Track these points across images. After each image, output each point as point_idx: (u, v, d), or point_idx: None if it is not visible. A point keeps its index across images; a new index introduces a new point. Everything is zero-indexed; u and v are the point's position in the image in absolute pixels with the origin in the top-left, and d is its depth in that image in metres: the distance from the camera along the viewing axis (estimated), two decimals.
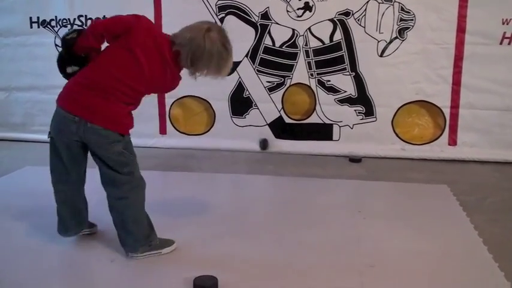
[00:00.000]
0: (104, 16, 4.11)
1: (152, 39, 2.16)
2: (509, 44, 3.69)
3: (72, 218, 2.30)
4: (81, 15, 4.17)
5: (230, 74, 2.31)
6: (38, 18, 4.22)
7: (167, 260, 2.22)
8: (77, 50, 2.20)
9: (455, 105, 3.84)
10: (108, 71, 2.11)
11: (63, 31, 4.21)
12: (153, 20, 4.02)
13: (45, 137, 4.21)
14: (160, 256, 2.24)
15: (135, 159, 2.21)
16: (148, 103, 4.15)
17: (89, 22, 4.17)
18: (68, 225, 2.30)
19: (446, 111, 3.87)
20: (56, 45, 4.24)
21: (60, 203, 2.28)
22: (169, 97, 4.15)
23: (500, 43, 3.70)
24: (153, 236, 2.26)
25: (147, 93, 2.22)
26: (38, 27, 4.24)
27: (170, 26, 4.06)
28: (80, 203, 2.34)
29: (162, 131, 4.21)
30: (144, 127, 4.14)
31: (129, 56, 2.11)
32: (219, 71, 2.19)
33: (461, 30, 3.73)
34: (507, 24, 3.66)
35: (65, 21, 4.19)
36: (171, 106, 4.18)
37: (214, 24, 2.32)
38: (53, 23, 4.22)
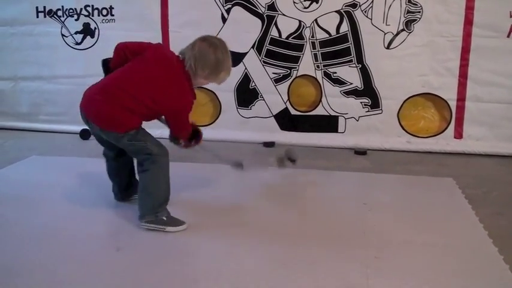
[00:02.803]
0: (111, 6, 4.14)
1: (164, 55, 2.43)
2: None
3: (115, 187, 2.72)
4: (88, 5, 4.17)
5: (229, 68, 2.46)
6: (45, 7, 4.22)
7: (173, 249, 2.23)
8: (112, 66, 2.49)
9: (461, 98, 3.83)
10: (116, 78, 2.39)
11: (69, 21, 4.22)
12: (159, 10, 4.05)
13: (51, 126, 4.30)
14: (167, 246, 2.25)
15: (147, 142, 2.40)
16: None
17: (96, 12, 4.18)
18: (114, 191, 2.73)
19: (453, 104, 3.86)
20: (62, 35, 4.25)
21: (108, 172, 2.69)
22: None
23: (508, 36, 3.68)
24: (161, 210, 2.41)
25: (150, 104, 2.34)
26: (45, 16, 4.24)
27: (177, 17, 4.12)
28: (122, 178, 2.69)
29: None
30: None
31: (138, 66, 2.38)
32: (218, 72, 2.40)
33: (468, 22, 3.71)
34: None
35: (71, 11, 4.20)
36: None
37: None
38: (60, 13, 4.22)
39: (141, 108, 2.34)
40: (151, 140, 2.43)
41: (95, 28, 4.20)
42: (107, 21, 4.18)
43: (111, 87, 2.36)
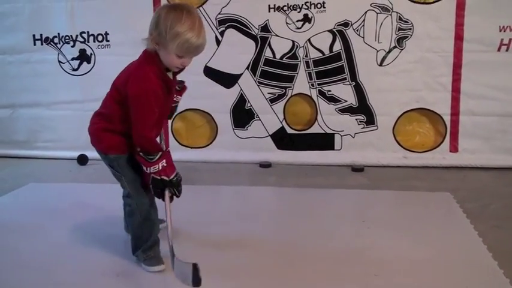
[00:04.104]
0: (106, 32, 4.18)
1: None
2: (507, 50, 3.71)
3: None
4: (84, 32, 4.20)
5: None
6: (41, 35, 4.27)
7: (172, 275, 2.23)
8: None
9: (455, 112, 3.87)
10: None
11: (65, 47, 4.26)
12: None
13: (48, 153, 4.32)
14: (168, 271, 2.25)
15: (123, 177, 2.22)
16: None
17: (91, 38, 4.21)
18: None
19: (447, 119, 3.89)
20: (59, 61, 4.28)
21: None
22: None
23: (498, 50, 3.73)
24: (139, 253, 2.27)
25: (117, 95, 2.15)
26: (42, 44, 4.28)
27: None
28: None
29: (166, 144, 4.22)
30: None
31: None
32: (167, 31, 1.98)
33: (459, 38, 3.76)
34: (504, 31, 3.69)
35: (67, 37, 4.23)
36: (173, 120, 4.21)
37: None
38: (56, 40, 4.26)
39: (113, 113, 2.14)
40: (129, 176, 2.20)
41: (91, 54, 4.24)
42: (102, 46, 4.22)
43: (99, 107, 2.29)
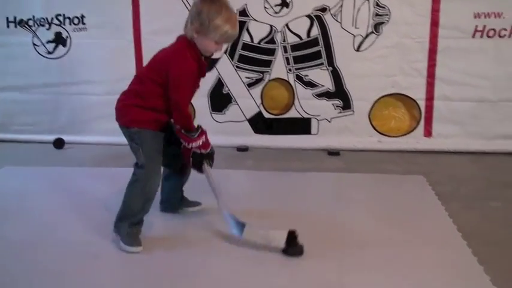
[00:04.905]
0: (82, 15, 4.14)
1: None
2: (481, 37, 3.78)
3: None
4: (59, 14, 4.14)
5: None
6: (15, 18, 4.19)
7: (152, 258, 2.25)
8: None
9: (430, 97, 3.93)
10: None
11: (41, 30, 4.20)
12: (131, 18, 4.06)
13: (24, 136, 4.27)
14: (147, 253, 2.27)
15: (141, 149, 2.33)
16: None
17: (67, 21, 4.17)
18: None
19: (422, 104, 3.96)
20: (34, 44, 4.23)
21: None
22: None
23: (473, 36, 3.79)
24: (123, 225, 2.33)
25: (155, 77, 2.29)
26: (15, 27, 4.21)
27: (149, 24, 4.14)
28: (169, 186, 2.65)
29: None
30: None
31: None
32: (207, 22, 2.19)
33: (434, 24, 3.82)
34: (479, 18, 3.75)
35: (42, 20, 4.17)
36: None
37: None
38: (31, 23, 4.19)
39: (148, 91, 2.30)
40: (148, 149, 2.33)
41: (67, 37, 4.19)
42: (78, 30, 4.17)
43: (128, 87, 2.42)
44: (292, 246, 2.20)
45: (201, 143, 2.34)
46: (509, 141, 3.88)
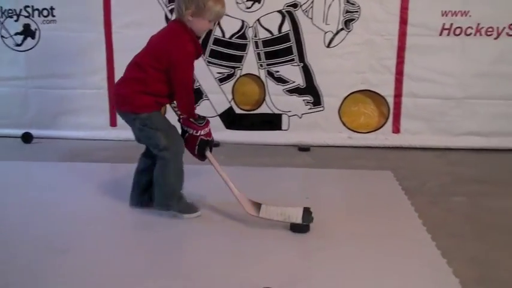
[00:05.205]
0: (52, 7, 4.08)
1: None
2: (448, 35, 3.86)
3: (133, 188, 2.69)
4: (28, 6, 4.08)
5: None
6: None
7: (121, 251, 2.25)
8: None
9: (398, 94, 4.00)
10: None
11: (8, 22, 4.13)
12: (102, 11, 4.02)
13: None
14: (112, 245, 2.27)
15: (158, 132, 2.46)
16: (99, 95, 4.16)
17: (36, 13, 4.10)
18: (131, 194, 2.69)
19: (390, 100, 4.03)
20: (2, 36, 4.15)
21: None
22: None
23: (440, 34, 3.87)
24: (172, 203, 2.54)
25: (156, 64, 2.39)
26: None
27: (120, 17, 4.10)
28: (142, 179, 2.66)
29: (113, 123, 4.19)
30: (95, 119, 4.14)
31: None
32: (202, 3, 2.36)
33: (403, 21, 3.88)
34: (446, 16, 3.83)
35: (10, 11, 4.10)
36: None
37: None
38: None
39: (150, 78, 2.40)
40: (164, 129, 2.49)
41: (36, 29, 4.13)
42: (47, 22, 4.12)
43: (125, 74, 2.50)
44: (309, 221, 2.38)
45: (208, 130, 2.52)
46: (474, 138, 3.98)
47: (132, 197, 2.68)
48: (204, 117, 2.53)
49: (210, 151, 2.56)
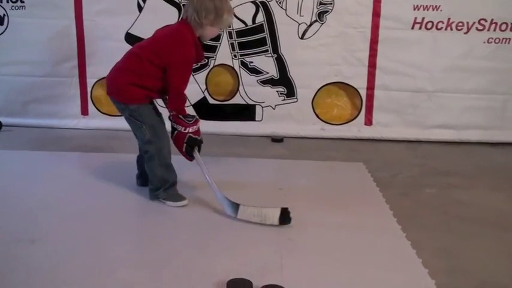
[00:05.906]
0: None
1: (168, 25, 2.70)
2: (419, 28, 3.90)
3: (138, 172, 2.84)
4: None
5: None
6: None
7: (92, 241, 2.23)
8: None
9: (371, 86, 4.04)
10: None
11: None
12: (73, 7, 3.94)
13: None
14: (81, 236, 2.25)
15: (144, 125, 2.53)
16: (70, 83, 4.10)
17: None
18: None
19: (363, 93, 4.06)
20: None
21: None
22: (91, 77, 4.08)
23: (412, 28, 3.91)
24: (159, 192, 2.61)
25: (155, 59, 2.45)
26: None
27: (91, 5, 4.02)
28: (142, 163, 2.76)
29: (84, 112, 4.13)
30: (65, 108, 4.07)
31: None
32: (221, 15, 2.48)
33: (376, 14, 3.91)
34: (418, 9, 3.87)
35: None
36: (92, 87, 4.11)
37: None
38: None
39: (146, 72, 2.46)
40: (149, 124, 2.54)
41: (4, 15, 4.03)
42: (16, 8, 4.02)
43: (122, 62, 2.56)
44: (286, 222, 2.37)
45: (196, 128, 2.53)
46: (444, 131, 4.05)
47: (138, 178, 2.83)
48: (193, 116, 2.56)
49: (199, 150, 2.57)
